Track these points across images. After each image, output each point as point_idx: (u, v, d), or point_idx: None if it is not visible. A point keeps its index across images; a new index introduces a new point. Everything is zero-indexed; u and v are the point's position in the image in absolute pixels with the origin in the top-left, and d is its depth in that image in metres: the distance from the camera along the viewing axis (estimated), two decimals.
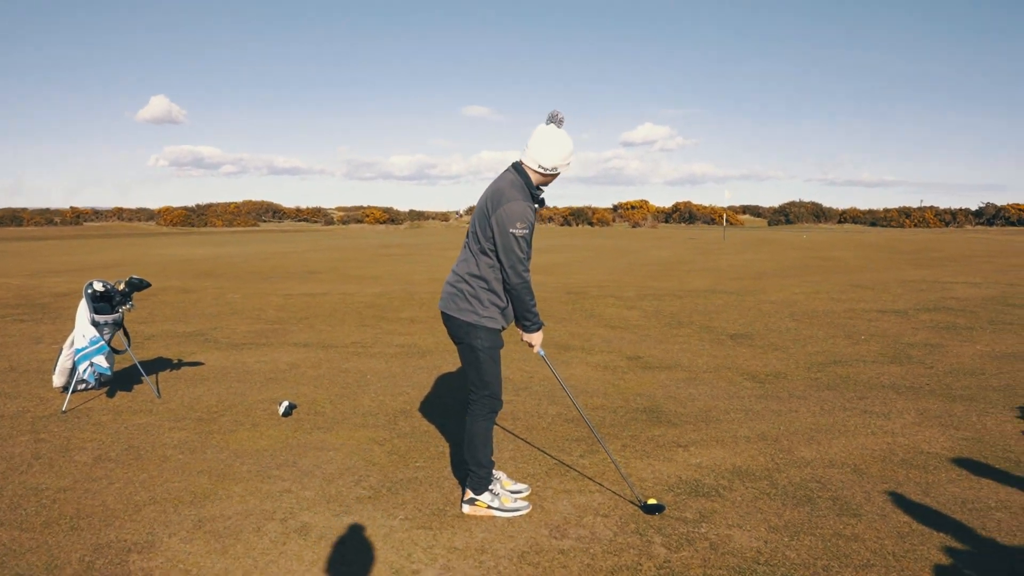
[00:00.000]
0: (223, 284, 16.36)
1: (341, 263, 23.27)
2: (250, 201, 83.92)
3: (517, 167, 4.11)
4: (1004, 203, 69.05)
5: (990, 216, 68.16)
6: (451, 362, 8.10)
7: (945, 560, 3.65)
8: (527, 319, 4.19)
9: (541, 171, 4.07)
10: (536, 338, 4.28)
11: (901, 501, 4.37)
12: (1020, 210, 66.72)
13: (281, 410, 6.11)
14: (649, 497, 4.37)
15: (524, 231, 3.96)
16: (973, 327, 10.36)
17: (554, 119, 4.06)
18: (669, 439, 5.53)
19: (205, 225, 72.94)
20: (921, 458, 5.10)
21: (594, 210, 79.57)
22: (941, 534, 3.93)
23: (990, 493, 4.49)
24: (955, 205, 75.11)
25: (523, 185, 4.04)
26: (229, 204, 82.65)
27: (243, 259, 25.02)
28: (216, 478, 4.75)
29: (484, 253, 4.05)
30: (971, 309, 12.03)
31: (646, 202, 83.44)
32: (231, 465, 4.99)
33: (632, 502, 4.35)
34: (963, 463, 5.00)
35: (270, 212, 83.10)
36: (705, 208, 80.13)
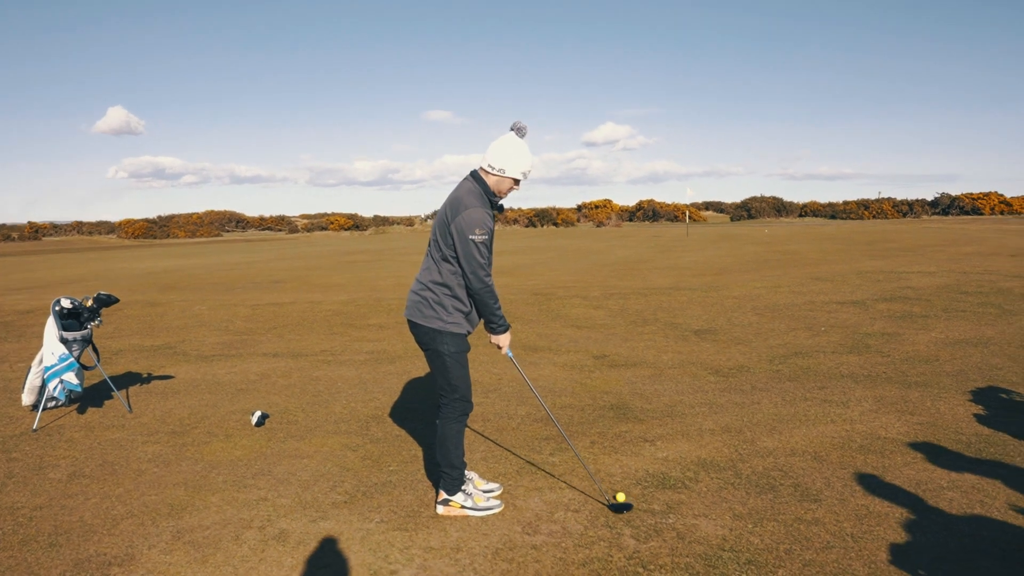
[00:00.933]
0: (189, 296, 16.26)
1: (307, 271, 23.20)
2: (212, 211, 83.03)
3: (475, 175, 4.22)
4: (958, 193, 70.62)
5: (945, 206, 69.56)
6: (420, 367, 8.18)
7: (900, 539, 3.82)
8: (492, 322, 4.30)
9: (490, 170, 4.17)
10: (503, 340, 4.39)
11: (859, 485, 4.55)
12: (973, 199, 68.19)
13: (254, 420, 6.16)
14: (617, 491, 4.49)
15: (483, 237, 4.06)
16: (928, 315, 10.66)
17: (515, 128, 4.18)
18: (636, 434, 5.67)
19: (167, 237, 72.05)
20: (878, 443, 5.29)
21: (558, 211, 79.84)
22: (897, 515, 4.11)
23: (943, 474, 4.69)
24: (912, 196, 76.71)
25: (481, 193, 4.15)
26: (191, 215, 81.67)
27: (208, 270, 24.84)
28: (192, 489, 4.80)
29: (446, 260, 4.15)
30: (926, 298, 12.36)
31: (610, 201, 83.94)
32: (207, 476, 5.04)
33: (601, 501, 4.47)
34: (918, 447, 5.20)
35: (233, 222, 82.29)
36: (668, 205, 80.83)
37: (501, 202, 4.28)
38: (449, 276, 4.18)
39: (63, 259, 37.61)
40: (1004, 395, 6.45)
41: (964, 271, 16.36)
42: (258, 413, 6.22)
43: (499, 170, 4.14)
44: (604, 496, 4.47)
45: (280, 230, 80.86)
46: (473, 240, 4.03)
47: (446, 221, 4.13)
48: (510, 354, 4.52)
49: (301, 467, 5.17)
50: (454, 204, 4.14)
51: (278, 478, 4.97)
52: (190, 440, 5.85)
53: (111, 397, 7.16)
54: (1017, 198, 67.86)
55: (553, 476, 4.87)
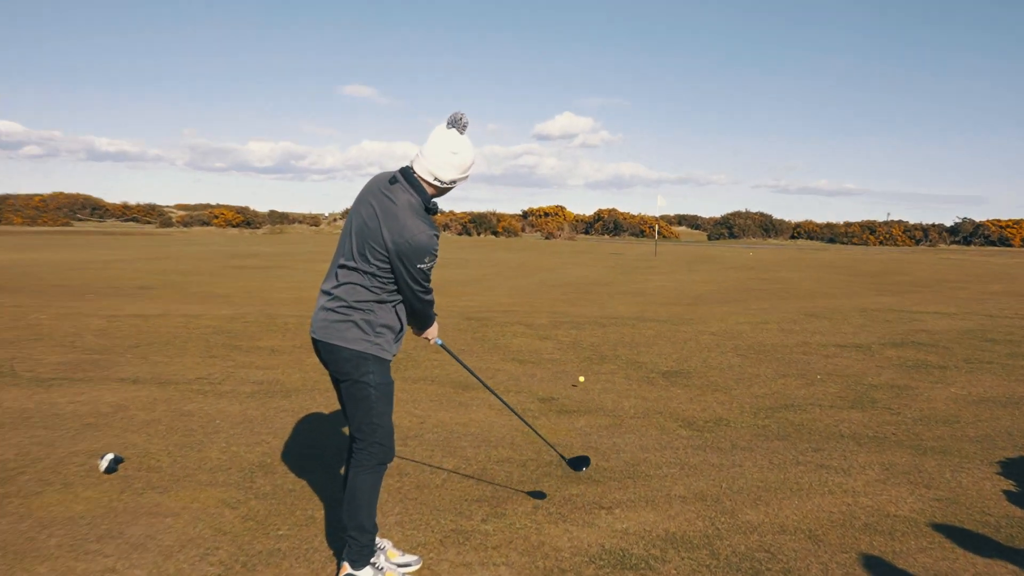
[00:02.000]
0: (24, 300, 15.83)
1: (182, 276, 22.83)
2: (62, 193, 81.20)
3: (409, 177, 4.16)
4: (983, 219, 72.84)
5: (967, 234, 71.72)
6: (322, 403, 8.06)
7: None
8: (425, 324, 4.62)
9: (438, 183, 4.18)
10: (432, 331, 4.72)
11: (864, 573, 4.57)
12: (1001, 227, 70.37)
13: (103, 465, 5.98)
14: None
15: (431, 264, 4.19)
16: (946, 366, 10.90)
17: (456, 123, 4.14)
18: (590, 499, 5.65)
19: (0, 223, 70.30)
20: (887, 522, 5.35)
21: (500, 216, 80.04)
22: None
23: (966, 564, 4.74)
24: (927, 220, 79.02)
25: (420, 205, 4.15)
26: (33, 196, 79.73)
27: (52, 268, 24.25)
28: (13, 556, 4.60)
29: (376, 275, 4.10)
30: (944, 344, 12.65)
31: (563, 208, 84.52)
32: (34, 538, 4.85)
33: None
34: (935, 528, 5.27)
35: (88, 208, 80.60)
36: (634, 217, 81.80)
37: (436, 202, 4.27)
38: (379, 293, 4.16)
39: None
40: None
41: (990, 314, 16.84)
42: (109, 456, 6.04)
43: (435, 179, 4.17)
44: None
45: (150, 222, 79.50)
46: (422, 268, 4.15)
47: (380, 236, 4.06)
48: (440, 342, 4.85)
49: (163, 528, 5.01)
50: (392, 222, 4.08)
51: (131, 543, 4.80)
52: (15, 490, 5.63)
53: None
54: None
55: (486, 548, 4.80)
